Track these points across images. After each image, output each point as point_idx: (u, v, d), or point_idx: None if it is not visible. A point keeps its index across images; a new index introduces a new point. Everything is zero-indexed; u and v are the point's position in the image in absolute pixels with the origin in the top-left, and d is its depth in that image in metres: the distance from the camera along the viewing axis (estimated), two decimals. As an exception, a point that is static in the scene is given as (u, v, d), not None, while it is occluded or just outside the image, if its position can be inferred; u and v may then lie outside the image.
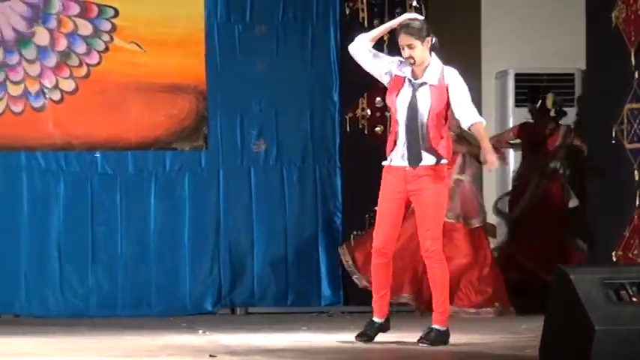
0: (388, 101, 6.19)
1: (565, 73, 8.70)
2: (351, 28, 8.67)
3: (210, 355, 5.52)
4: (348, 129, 8.67)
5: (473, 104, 6.10)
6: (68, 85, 8.45)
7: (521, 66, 8.75)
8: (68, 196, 8.37)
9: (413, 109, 6.02)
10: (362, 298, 8.20)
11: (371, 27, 8.73)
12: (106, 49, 8.49)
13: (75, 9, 8.48)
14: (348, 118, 8.70)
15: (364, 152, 8.38)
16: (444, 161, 6.04)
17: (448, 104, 6.05)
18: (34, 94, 8.40)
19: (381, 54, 6.31)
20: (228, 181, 8.57)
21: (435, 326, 6.07)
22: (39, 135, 8.37)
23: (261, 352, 5.80)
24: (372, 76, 8.67)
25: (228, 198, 8.53)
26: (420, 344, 6.03)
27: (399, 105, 6.07)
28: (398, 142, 6.06)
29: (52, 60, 8.43)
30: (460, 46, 8.98)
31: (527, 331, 6.69)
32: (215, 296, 8.47)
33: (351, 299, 8.46)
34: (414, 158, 6.02)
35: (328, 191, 8.65)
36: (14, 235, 8.25)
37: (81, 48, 8.48)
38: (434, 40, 6.14)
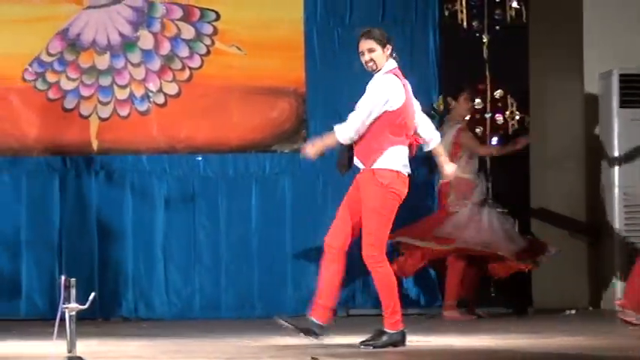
0: None
1: (673, 73, 8.54)
2: (450, 30, 8.67)
3: (312, 357, 5.55)
4: (447, 130, 8.62)
5: (361, 113, 6.06)
6: (171, 89, 8.57)
7: (625, 66, 8.61)
8: (171, 199, 8.49)
9: None
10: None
11: (470, 28, 8.74)
12: (208, 52, 8.59)
13: (178, 13, 8.59)
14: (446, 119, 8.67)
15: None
16: (381, 165, 6.02)
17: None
18: (139, 97, 8.53)
19: None
20: (327, 183, 8.59)
21: (385, 329, 6.08)
22: (144, 138, 8.50)
23: (362, 355, 5.82)
24: (471, 78, 8.70)
25: (328, 200, 8.54)
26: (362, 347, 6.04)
27: None
28: None
29: (156, 64, 8.55)
30: (563, 47, 8.89)
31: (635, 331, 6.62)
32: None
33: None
34: (340, 165, 6.14)
35: (427, 192, 8.62)
36: (120, 238, 8.39)
37: (184, 51, 8.59)
38: (394, 54, 6.21)
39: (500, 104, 8.74)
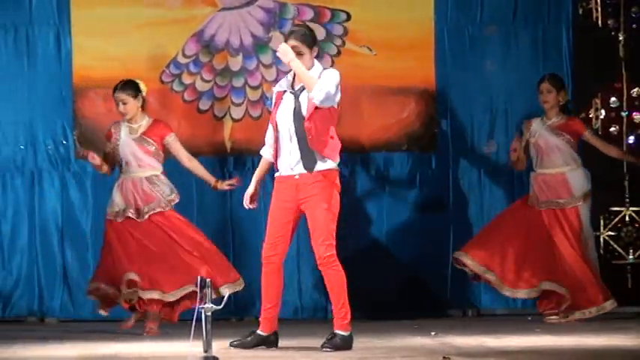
0: (271, 119, 6.21)
1: None
2: (583, 28, 8.55)
3: (444, 357, 5.56)
4: (581, 130, 8.51)
5: (328, 85, 6.01)
6: (302, 90, 8.65)
7: None
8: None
9: (298, 115, 6.07)
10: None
11: (605, 27, 8.59)
12: (338, 52, 8.65)
13: (309, 14, 8.67)
14: (581, 118, 8.56)
15: (598, 153, 8.21)
16: (332, 166, 6.06)
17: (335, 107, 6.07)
18: (270, 98, 8.63)
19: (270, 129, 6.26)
20: (458, 183, 8.57)
21: (338, 331, 6.06)
22: (275, 139, 8.62)
23: (494, 354, 5.80)
24: (606, 77, 8.56)
25: (459, 199, 8.51)
26: (324, 349, 6.01)
27: (279, 118, 6.13)
28: (283, 153, 6.11)
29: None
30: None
31: None
32: (446, 297, 8.48)
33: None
34: (308, 163, 6.05)
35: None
36: (253, 238, 8.39)
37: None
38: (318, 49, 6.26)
39: (637, 103, 8.59)
